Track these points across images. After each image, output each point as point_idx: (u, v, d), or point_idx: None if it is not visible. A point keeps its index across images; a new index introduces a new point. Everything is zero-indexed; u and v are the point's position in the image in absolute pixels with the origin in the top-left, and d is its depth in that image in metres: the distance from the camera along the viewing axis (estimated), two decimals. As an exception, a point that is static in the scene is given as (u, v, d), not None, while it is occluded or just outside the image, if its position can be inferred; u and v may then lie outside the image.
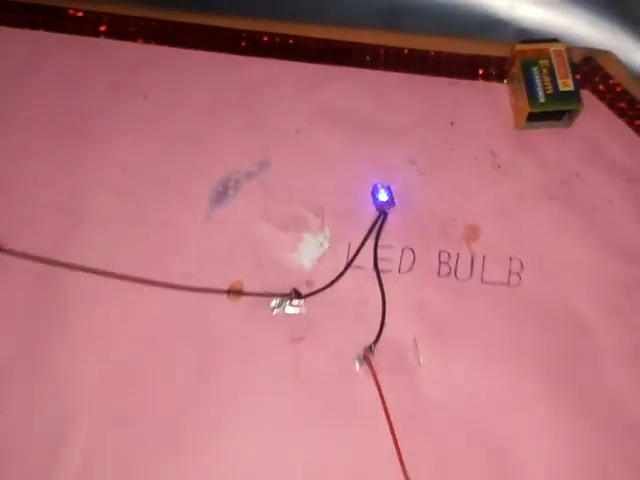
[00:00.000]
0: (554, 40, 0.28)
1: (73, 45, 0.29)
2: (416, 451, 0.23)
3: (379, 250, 0.25)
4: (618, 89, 0.28)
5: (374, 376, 0.23)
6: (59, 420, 0.23)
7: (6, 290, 0.25)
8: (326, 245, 0.26)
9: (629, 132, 0.28)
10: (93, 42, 0.29)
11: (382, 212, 0.26)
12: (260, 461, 0.23)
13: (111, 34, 0.29)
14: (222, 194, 0.26)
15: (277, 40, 0.29)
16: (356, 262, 0.25)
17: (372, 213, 0.26)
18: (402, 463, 0.23)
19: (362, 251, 0.25)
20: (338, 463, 0.23)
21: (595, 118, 0.28)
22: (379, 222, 0.26)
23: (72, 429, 0.23)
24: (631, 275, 0.25)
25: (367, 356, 0.23)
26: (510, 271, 0.25)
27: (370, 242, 0.25)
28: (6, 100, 0.28)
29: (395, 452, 0.23)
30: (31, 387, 0.23)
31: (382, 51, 0.28)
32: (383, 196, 0.26)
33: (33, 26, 0.29)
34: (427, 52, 0.28)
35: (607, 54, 0.29)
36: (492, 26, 0.31)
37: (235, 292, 0.24)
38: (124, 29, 0.28)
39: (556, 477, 0.23)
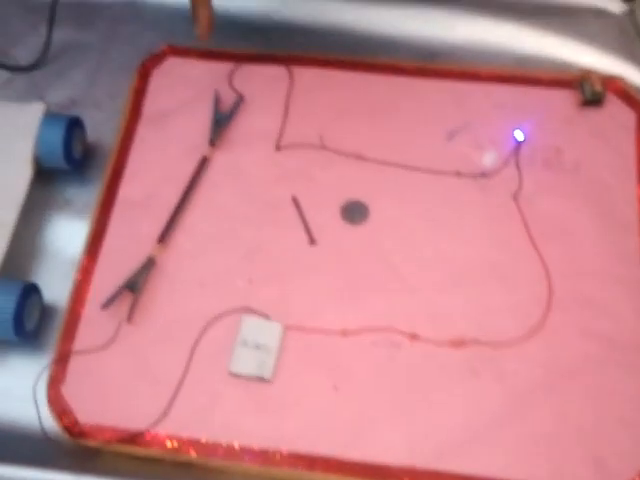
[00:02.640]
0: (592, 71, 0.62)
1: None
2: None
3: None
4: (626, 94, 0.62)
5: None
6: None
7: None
8: (495, 156, 0.60)
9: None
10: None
11: (518, 142, 0.60)
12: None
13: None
14: (451, 135, 0.61)
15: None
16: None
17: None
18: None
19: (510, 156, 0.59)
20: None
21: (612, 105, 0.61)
22: (517, 146, 0.60)
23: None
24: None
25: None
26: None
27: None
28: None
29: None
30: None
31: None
32: (520, 136, 0.60)
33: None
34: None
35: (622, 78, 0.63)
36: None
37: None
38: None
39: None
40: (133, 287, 0.53)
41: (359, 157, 0.60)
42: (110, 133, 0.62)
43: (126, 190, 0.59)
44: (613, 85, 0.61)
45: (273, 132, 0.61)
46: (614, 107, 0.61)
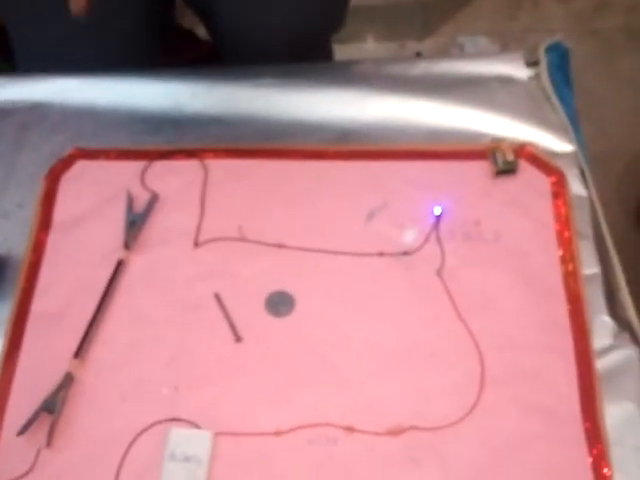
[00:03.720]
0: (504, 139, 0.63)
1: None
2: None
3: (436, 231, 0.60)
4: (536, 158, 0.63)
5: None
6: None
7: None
8: (415, 233, 0.60)
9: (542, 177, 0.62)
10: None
11: (437, 217, 0.60)
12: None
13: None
14: (371, 216, 0.61)
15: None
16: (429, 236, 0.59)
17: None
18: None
19: (431, 232, 0.59)
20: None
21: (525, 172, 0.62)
22: (437, 221, 0.60)
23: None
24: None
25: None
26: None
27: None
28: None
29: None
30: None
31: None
32: (438, 211, 0.60)
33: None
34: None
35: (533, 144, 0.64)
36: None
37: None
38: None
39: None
40: (51, 408, 0.51)
41: (281, 246, 0.59)
42: (21, 244, 0.59)
43: (40, 303, 0.56)
44: (524, 152, 0.62)
45: (191, 228, 0.60)
46: (528, 174, 0.61)
